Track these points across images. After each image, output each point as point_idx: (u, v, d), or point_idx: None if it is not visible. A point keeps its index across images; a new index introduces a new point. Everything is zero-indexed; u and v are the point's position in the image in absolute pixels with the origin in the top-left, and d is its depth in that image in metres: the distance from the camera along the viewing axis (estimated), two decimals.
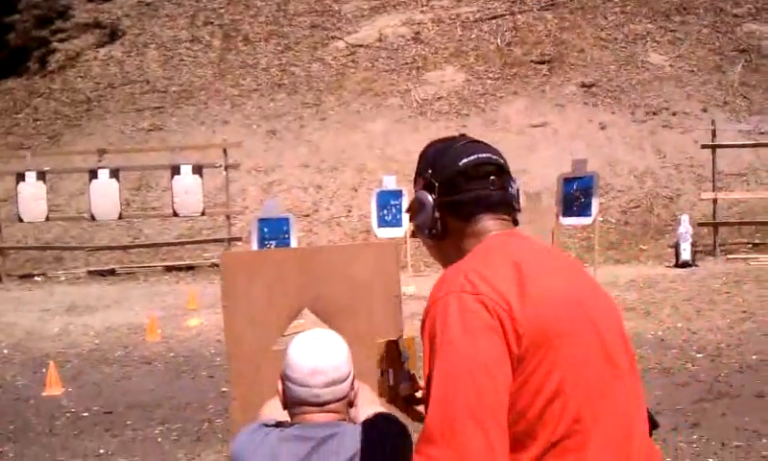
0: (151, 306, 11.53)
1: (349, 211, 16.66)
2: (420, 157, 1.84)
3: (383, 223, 11.39)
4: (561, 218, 10.40)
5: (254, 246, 9.62)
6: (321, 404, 1.98)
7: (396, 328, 3.29)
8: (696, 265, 12.56)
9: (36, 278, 14.71)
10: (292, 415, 2.03)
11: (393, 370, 2.07)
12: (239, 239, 14.53)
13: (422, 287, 11.75)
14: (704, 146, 14.14)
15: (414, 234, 1.86)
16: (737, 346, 7.77)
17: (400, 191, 11.51)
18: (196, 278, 14.22)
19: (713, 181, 13.85)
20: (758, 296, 10.05)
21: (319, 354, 2.00)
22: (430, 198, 1.73)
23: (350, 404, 2.08)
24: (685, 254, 12.52)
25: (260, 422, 2.16)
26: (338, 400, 2.01)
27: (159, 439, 5.96)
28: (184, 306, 11.28)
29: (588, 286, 1.70)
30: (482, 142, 1.82)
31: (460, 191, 1.71)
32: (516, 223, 1.77)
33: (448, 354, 1.49)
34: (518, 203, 1.79)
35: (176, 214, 14.00)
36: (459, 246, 1.72)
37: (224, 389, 7.10)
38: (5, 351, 9.06)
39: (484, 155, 1.75)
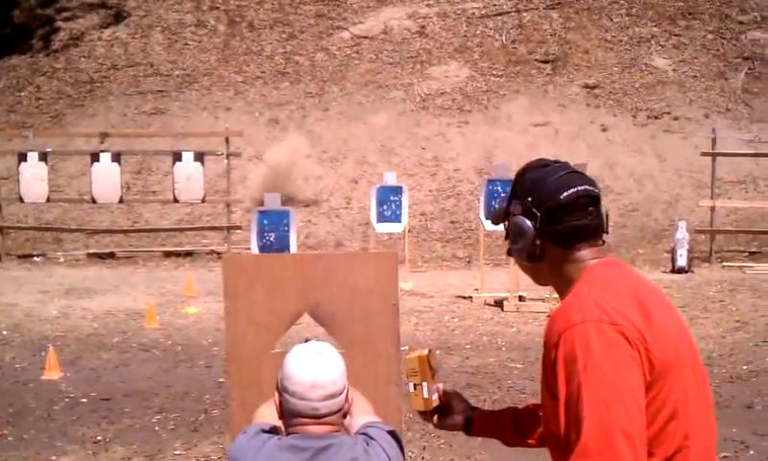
0: (149, 292, 11.60)
1: (349, 203, 16.72)
2: (517, 179, 1.97)
3: (382, 218, 11.44)
4: None
5: (254, 237, 9.67)
6: (318, 417, 2.05)
7: (394, 336, 3.36)
8: (692, 271, 12.64)
9: (35, 258, 14.76)
10: (288, 425, 2.09)
11: (427, 383, 2.19)
12: (239, 227, 14.60)
13: (419, 283, 11.86)
14: (704, 154, 14.20)
15: (509, 253, 1.99)
16: (729, 355, 7.87)
17: (400, 187, 11.56)
18: (194, 264, 14.29)
19: (712, 188, 13.92)
20: (752, 305, 10.14)
21: (318, 369, 2.06)
22: (530, 225, 1.87)
23: (345, 416, 2.15)
24: (681, 261, 12.61)
25: (258, 426, 2.23)
26: (334, 413, 2.08)
27: (157, 428, 6.04)
28: (182, 293, 11.36)
29: (677, 315, 1.89)
30: (578, 171, 1.94)
31: (561, 222, 1.85)
32: (603, 243, 1.93)
33: (597, 380, 1.64)
34: (607, 225, 1.95)
35: (176, 200, 14.05)
36: (556, 269, 1.90)
37: (220, 380, 7.18)
38: (4, 333, 9.12)
39: (582, 188, 1.86)
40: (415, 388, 2.26)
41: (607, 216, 1.94)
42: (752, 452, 5.44)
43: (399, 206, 11.46)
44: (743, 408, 6.37)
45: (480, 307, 10.30)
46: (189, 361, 7.92)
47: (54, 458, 5.38)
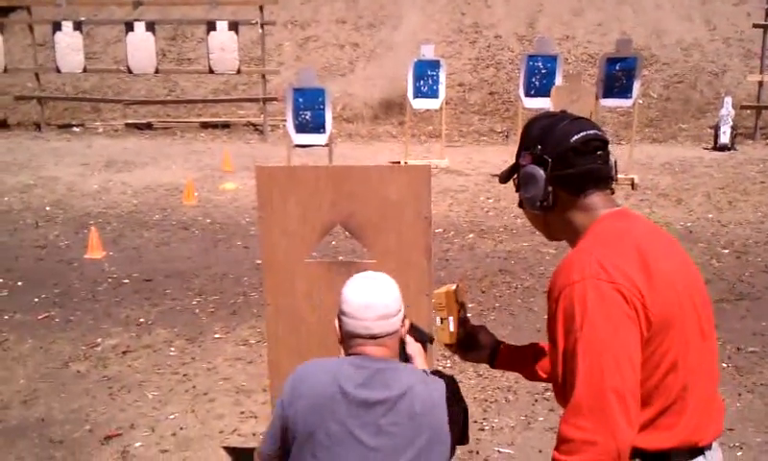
0: (187, 166, 11.73)
1: (386, 72, 16.43)
2: (525, 132, 1.98)
3: (419, 94, 11.25)
4: (601, 99, 10.21)
5: (289, 116, 9.63)
6: (374, 337, 2.12)
7: (426, 248, 3.40)
8: (735, 149, 12.37)
9: (74, 128, 14.92)
10: (348, 348, 2.17)
11: (452, 317, 2.26)
12: (275, 99, 14.50)
13: (455, 159, 11.80)
14: (756, 25, 13.57)
15: (521, 205, 1.99)
16: (765, 243, 7.79)
17: (438, 61, 11.30)
18: (231, 136, 14.34)
19: (762, 61, 13.38)
20: None
21: (371, 291, 2.14)
22: (542, 172, 1.88)
23: (401, 341, 2.22)
24: (724, 138, 12.32)
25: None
26: (389, 335, 2.15)
27: (197, 310, 6.22)
28: (220, 167, 11.47)
29: (687, 266, 1.89)
30: (584, 118, 1.96)
31: (572, 166, 1.86)
32: (612, 192, 1.95)
33: (593, 339, 1.68)
34: (616, 173, 1.96)
35: (211, 71, 13.93)
36: (566, 218, 1.91)
37: (258, 261, 7.34)
38: (47, 209, 9.36)
39: (591, 131, 1.88)
40: (441, 322, 2.31)
41: (616, 164, 1.94)
42: None
43: (437, 82, 11.25)
44: None
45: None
46: (227, 241, 8.07)
47: (99, 340, 5.60)
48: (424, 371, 2.21)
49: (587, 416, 1.64)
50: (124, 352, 5.42)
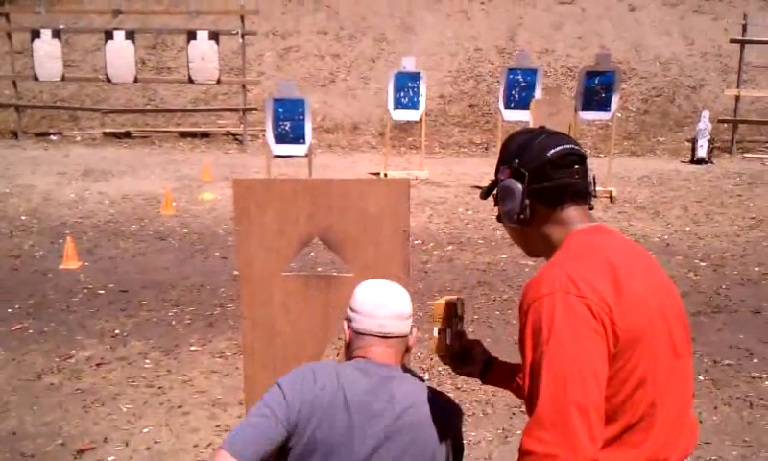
0: (165, 175, 11.65)
1: (366, 83, 16.47)
2: (503, 148, 1.99)
3: (399, 105, 11.27)
4: (579, 113, 10.27)
5: (269, 127, 9.59)
6: (385, 336, 2.10)
7: (403, 261, 3.37)
8: (712, 163, 12.49)
9: (51, 137, 14.79)
10: (354, 348, 2.13)
11: (450, 330, 2.27)
12: (254, 109, 14.46)
13: (435, 170, 11.81)
14: (732, 41, 13.73)
15: (499, 219, 2.00)
16: (742, 256, 7.86)
17: (419, 73, 11.32)
18: (210, 146, 14.28)
19: (739, 76, 13.53)
20: None
21: (385, 292, 2.14)
22: (519, 186, 1.89)
23: (407, 349, 2.20)
24: (702, 151, 12.44)
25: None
26: (400, 337, 2.12)
27: (173, 322, 6.16)
28: (199, 177, 11.40)
29: (662, 283, 1.88)
30: (562, 133, 1.96)
31: (549, 179, 1.87)
32: (591, 208, 1.95)
33: (558, 353, 1.66)
34: (594, 188, 1.96)
35: (191, 80, 13.87)
36: (542, 232, 1.90)
37: (235, 272, 7.29)
38: (23, 218, 9.24)
39: (568, 146, 1.89)
40: (438, 333, 2.30)
41: (594, 179, 1.95)
42: (755, 361, 5.48)
43: (417, 93, 11.27)
44: (751, 313, 6.38)
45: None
46: (205, 252, 8.01)
47: (73, 352, 5.52)
48: (431, 388, 2.18)
49: (548, 429, 1.62)
50: (98, 365, 5.35)
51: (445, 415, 2.09)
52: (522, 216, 1.90)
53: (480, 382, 2.37)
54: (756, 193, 10.60)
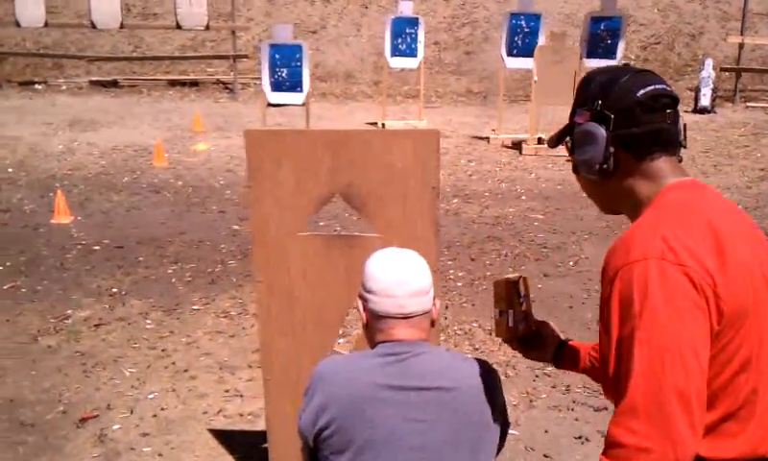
0: (156, 125, 11.29)
1: (359, 30, 16.04)
2: (581, 88, 1.71)
3: (397, 52, 10.90)
4: (584, 59, 9.97)
5: (265, 73, 9.24)
6: (406, 317, 1.86)
7: (433, 220, 3.14)
8: (714, 112, 12.26)
9: (36, 86, 14.32)
10: (376, 332, 1.89)
11: (512, 310, 2.03)
12: (245, 56, 14.04)
13: (434, 120, 11.51)
14: None
15: (575, 170, 1.73)
16: (755, 209, 7.67)
17: (417, 18, 10.95)
18: (201, 95, 13.88)
19: (743, 23, 13.22)
20: None
21: (401, 265, 1.88)
22: (603, 131, 1.62)
23: (432, 323, 1.96)
24: (705, 100, 12.20)
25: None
26: (422, 314, 1.88)
27: (173, 279, 5.90)
28: (190, 127, 11.05)
29: (762, 248, 1.63)
30: (650, 71, 1.68)
31: (638, 123, 1.61)
32: (680, 160, 1.69)
33: (653, 328, 1.44)
34: (685, 137, 1.69)
35: (179, 26, 13.40)
36: (627, 186, 1.65)
37: (235, 226, 7.04)
38: (9, 171, 8.90)
39: (660, 86, 1.63)
40: (501, 314, 2.06)
41: (685, 127, 1.68)
42: None
43: (415, 40, 10.90)
44: None
45: (497, 150, 10.01)
46: (201, 205, 7.73)
47: (70, 312, 5.27)
48: (465, 357, 1.97)
49: (642, 419, 1.41)
50: (96, 326, 5.10)
51: (487, 384, 1.88)
52: (605, 166, 1.63)
53: (551, 364, 2.15)
54: (763, 144, 10.39)
